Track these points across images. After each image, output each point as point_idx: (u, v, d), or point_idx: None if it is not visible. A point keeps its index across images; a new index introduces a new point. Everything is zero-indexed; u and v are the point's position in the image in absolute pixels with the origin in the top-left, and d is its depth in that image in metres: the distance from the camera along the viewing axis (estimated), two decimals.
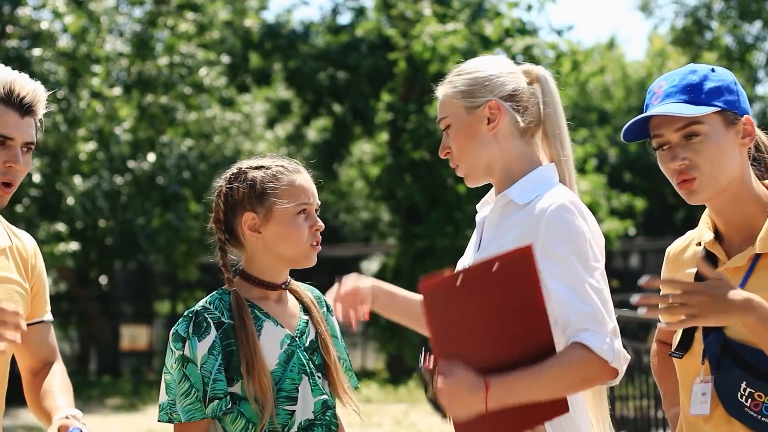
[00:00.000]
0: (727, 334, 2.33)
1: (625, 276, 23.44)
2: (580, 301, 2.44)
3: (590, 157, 17.31)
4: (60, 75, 12.41)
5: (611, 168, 26.52)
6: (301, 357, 2.59)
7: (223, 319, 2.54)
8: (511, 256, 2.31)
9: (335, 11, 23.24)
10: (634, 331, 12.64)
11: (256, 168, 2.66)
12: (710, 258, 2.43)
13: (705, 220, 2.49)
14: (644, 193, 26.88)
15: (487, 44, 16.35)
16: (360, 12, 22.88)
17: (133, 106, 15.73)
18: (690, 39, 18.13)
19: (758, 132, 2.50)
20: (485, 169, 2.67)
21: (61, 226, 12.78)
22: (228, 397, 2.50)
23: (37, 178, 12.30)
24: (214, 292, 2.61)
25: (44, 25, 12.79)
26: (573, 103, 26.47)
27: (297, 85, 22.75)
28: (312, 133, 23.53)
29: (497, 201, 2.67)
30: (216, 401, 2.49)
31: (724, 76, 2.43)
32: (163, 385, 2.55)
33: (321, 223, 2.64)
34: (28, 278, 2.74)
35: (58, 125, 12.40)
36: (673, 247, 2.59)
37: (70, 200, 13.36)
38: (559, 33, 16.91)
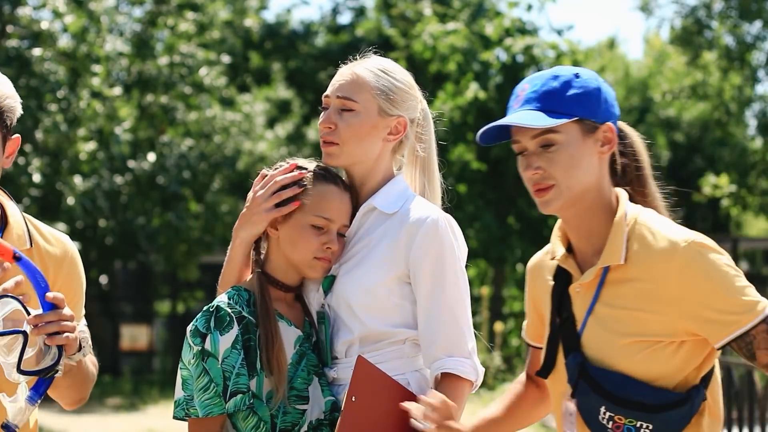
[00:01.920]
0: (586, 354, 2.32)
1: None
2: (444, 322, 2.59)
3: None
4: (60, 75, 12.39)
5: None
6: (313, 358, 2.61)
7: (243, 313, 2.53)
8: (354, 379, 2.45)
9: (335, 11, 23.25)
10: None
11: (297, 167, 2.66)
12: (564, 274, 2.40)
13: (556, 233, 2.46)
14: None
15: (487, 44, 16.35)
16: (360, 12, 22.90)
17: (134, 106, 15.73)
18: (690, 39, 18.12)
19: (634, 137, 2.46)
20: (357, 164, 2.69)
21: (61, 226, 12.76)
22: (250, 392, 2.49)
23: (37, 177, 12.29)
24: (230, 289, 2.59)
25: (44, 25, 12.77)
26: None
27: (297, 85, 22.77)
28: (312, 133, 23.53)
29: (359, 210, 2.69)
30: (239, 395, 2.48)
31: (587, 81, 2.37)
32: (179, 381, 2.53)
33: (336, 245, 2.61)
34: (49, 284, 2.62)
35: (59, 125, 12.38)
36: (532, 262, 2.59)
37: (71, 200, 13.34)
38: (559, 33, 16.91)
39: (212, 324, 2.49)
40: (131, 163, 15.06)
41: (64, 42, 13.27)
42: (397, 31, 18.15)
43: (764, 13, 17.54)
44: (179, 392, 2.52)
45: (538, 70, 17.19)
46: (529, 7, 16.76)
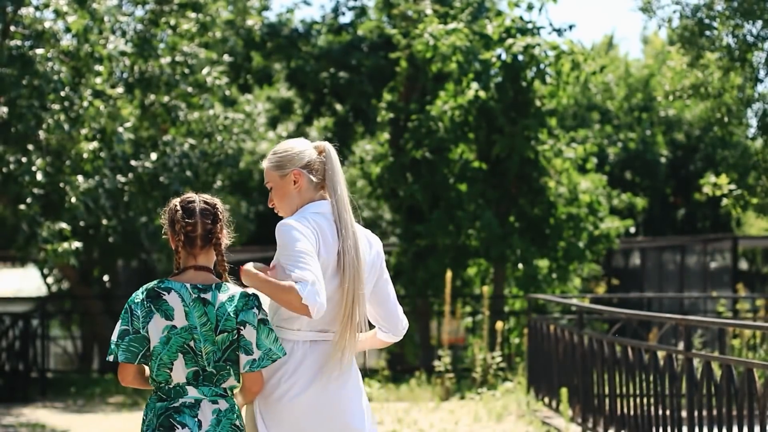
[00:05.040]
0: None
1: (625, 275, 23.47)
2: (289, 269, 3.85)
3: (590, 156, 17.34)
4: (63, 74, 12.43)
5: (612, 167, 26.55)
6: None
7: None
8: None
9: (337, 11, 23.27)
10: (635, 330, 12.68)
11: (207, 204, 4.04)
12: None
13: None
14: (644, 191, 26.88)
15: (487, 43, 16.38)
16: (361, 11, 22.92)
17: (136, 106, 15.77)
18: (692, 39, 18.12)
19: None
20: (291, 210, 4.08)
21: (63, 225, 12.82)
22: None
23: (39, 176, 12.33)
24: (235, 286, 4.00)
25: (47, 25, 12.81)
26: (574, 102, 26.48)
27: (299, 85, 22.79)
28: (314, 133, 23.57)
29: None
30: None
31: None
32: (269, 336, 3.95)
33: None
34: None
35: (61, 124, 12.42)
36: None
37: (73, 199, 13.38)
38: (560, 32, 16.92)
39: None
40: (134, 163, 15.10)
41: (67, 42, 13.31)
42: (398, 31, 18.17)
43: (765, 13, 17.56)
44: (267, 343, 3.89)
45: (539, 70, 17.07)
46: (530, 7, 16.78)
